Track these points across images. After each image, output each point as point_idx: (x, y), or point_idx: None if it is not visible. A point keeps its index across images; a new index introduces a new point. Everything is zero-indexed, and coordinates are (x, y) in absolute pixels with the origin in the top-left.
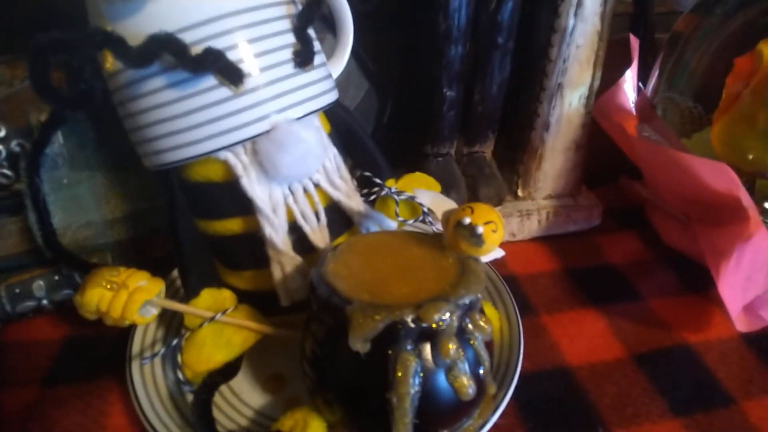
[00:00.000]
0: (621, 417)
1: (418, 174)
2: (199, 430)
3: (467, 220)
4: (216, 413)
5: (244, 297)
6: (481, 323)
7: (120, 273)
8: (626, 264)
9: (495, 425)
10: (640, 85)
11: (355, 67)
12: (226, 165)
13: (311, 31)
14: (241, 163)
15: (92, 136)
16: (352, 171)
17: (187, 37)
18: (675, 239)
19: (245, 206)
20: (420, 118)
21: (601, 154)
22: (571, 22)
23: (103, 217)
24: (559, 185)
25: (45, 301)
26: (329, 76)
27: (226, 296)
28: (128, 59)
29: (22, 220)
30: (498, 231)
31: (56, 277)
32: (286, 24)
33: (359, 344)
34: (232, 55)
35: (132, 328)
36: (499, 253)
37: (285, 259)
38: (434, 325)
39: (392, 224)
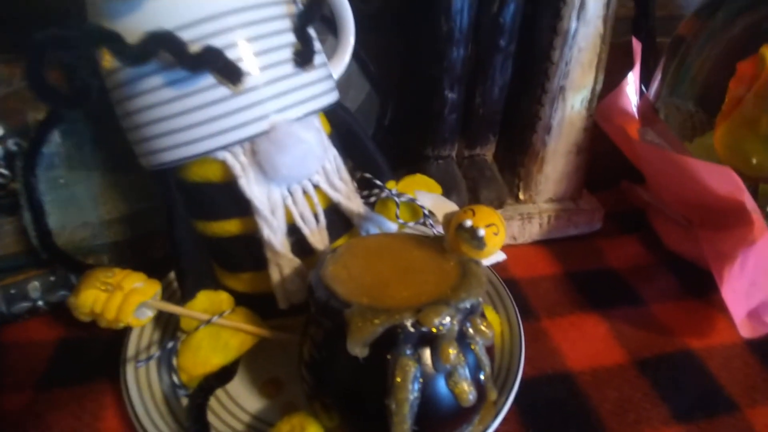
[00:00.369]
0: (623, 423)
1: (418, 176)
2: None
3: (469, 223)
4: (211, 417)
5: (241, 299)
6: (482, 327)
7: (115, 274)
8: (628, 268)
9: (496, 431)
10: (643, 88)
11: (356, 68)
12: (225, 165)
13: (312, 31)
14: (239, 163)
15: (89, 136)
16: (352, 172)
17: (185, 35)
18: (677, 243)
19: (243, 207)
20: (421, 120)
21: (602, 157)
22: (573, 24)
23: (100, 218)
24: (560, 188)
25: (40, 302)
26: (330, 76)
27: (223, 298)
28: (126, 57)
29: (18, 220)
30: (499, 234)
31: (51, 278)
32: (287, 23)
33: (358, 348)
34: (231, 54)
35: (127, 330)
36: (500, 256)
37: (283, 261)
38: (434, 330)
39: (392, 226)
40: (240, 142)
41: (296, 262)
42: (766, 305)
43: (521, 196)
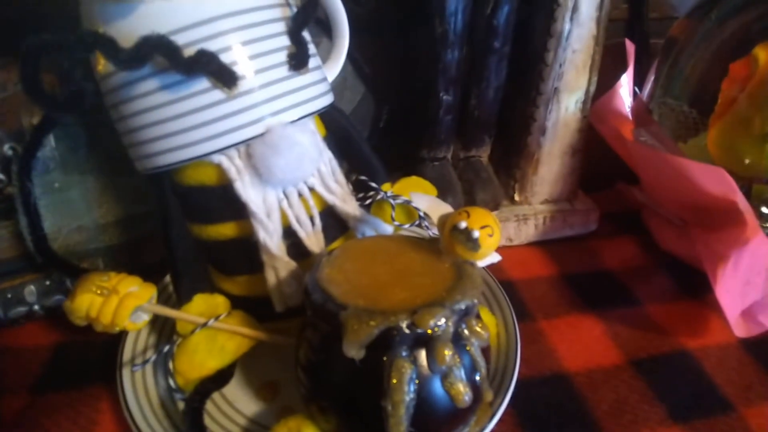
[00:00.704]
0: (619, 424)
1: (414, 178)
2: None
3: (463, 225)
4: (208, 421)
5: (237, 303)
6: (478, 329)
7: (110, 278)
8: (623, 269)
9: None
10: (636, 89)
11: (351, 71)
12: (220, 169)
13: (306, 34)
14: (234, 166)
15: (84, 140)
16: (347, 175)
17: (179, 39)
18: (672, 244)
19: (239, 210)
20: (416, 122)
21: (597, 158)
22: (567, 26)
23: (95, 222)
24: (555, 190)
25: (36, 307)
26: (324, 79)
27: (220, 302)
28: (120, 61)
29: (13, 225)
30: (494, 235)
31: (47, 283)
32: (281, 26)
33: (354, 351)
34: (225, 58)
35: (122, 334)
36: (495, 258)
37: (279, 264)
38: (429, 331)
39: (388, 229)
40: (235, 146)
41: (292, 265)
42: (760, 305)
43: (517, 198)
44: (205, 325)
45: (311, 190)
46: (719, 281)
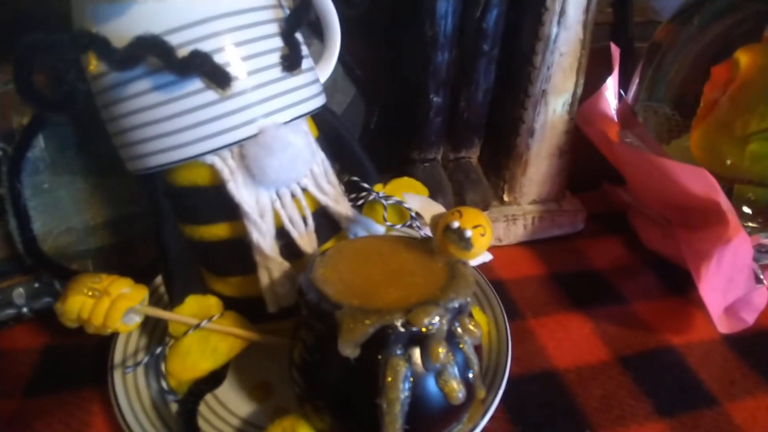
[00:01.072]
0: (608, 419)
1: (405, 179)
2: None
3: (456, 224)
4: (201, 423)
5: (230, 304)
6: (471, 327)
7: (102, 280)
8: (609, 268)
9: (484, 429)
10: (622, 92)
11: (341, 72)
12: (213, 169)
13: (299, 35)
14: (227, 167)
15: (74, 140)
16: (339, 176)
17: (173, 40)
18: (656, 243)
19: (232, 211)
20: (406, 123)
21: (584, 160)
22: (554, 30)
23: (84, 223)
24: (544, 190)
25: (25, 309)
26: (317, 80)
27: (212, 303)
28: (113, 61)
29: (2, 226)
30: (486, 235)
31: (36, 285)
32: (274, 28)
33: (349, 349)
34: (219, 58)
35: (113, 336)
36: (487, 257)
37: (272, 265)
38: (424, 329)
39: (380, 229)
40: (228, 146)
41: (285, 265)
42: (742, 301)
43: (506, 198)
44: (197, 326)
45: (304, 190)
46: (703, 279)
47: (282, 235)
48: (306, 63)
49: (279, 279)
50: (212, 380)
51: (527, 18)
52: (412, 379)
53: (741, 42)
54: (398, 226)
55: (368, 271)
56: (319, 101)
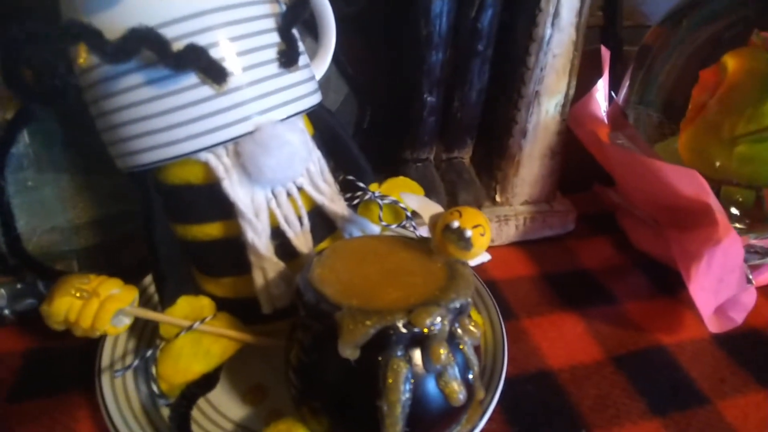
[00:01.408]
0: (603, 418)
1: (401, 178)
2: None
3: (456, 224)
4: (194, 428)
5: (223, 305)
6: (471, 327)
7: (90, 281)
8: (601, 268)
9: (482, 431)
10: (612, 94)
11: (334, 71)
12: (207, 167)
13: (295, 31)
14: (222, 165)
15: (59, 136)
16: (333, 174)
17: (167, 33)
18: (646, 244)
19: (226, 210)
20: (399, 123)
21: (575, 161)
22: (548, 31)
23: (70, 222)
24: (535, 191)
25: (7, 311)
26: (313, 77)
27: (205, 304)
28: (105, 54)
29: None
30: (486, 234)
31: (19, 286)
32: (271, 23)
33: (349, 351)
34: (214, 53)
35: (101, 338)
36: (486, 257)
37: (268, 265)
38: (426, 330)
39: (375, 229)
40: (223, 144)
41: (280, 265)
42: (732, 301)
43: (498, 199)
44: (189, 328)
45: (300, 189)
46: (693, 279)
47: (277, 234)
48: (302, 59)
49: (274, 279)
50: (205, 383)
51: (521, 19)
52: (412, 381)
53: (729, 46)
54: (393, 226)
55: (366, 271)
56: (316, 99)
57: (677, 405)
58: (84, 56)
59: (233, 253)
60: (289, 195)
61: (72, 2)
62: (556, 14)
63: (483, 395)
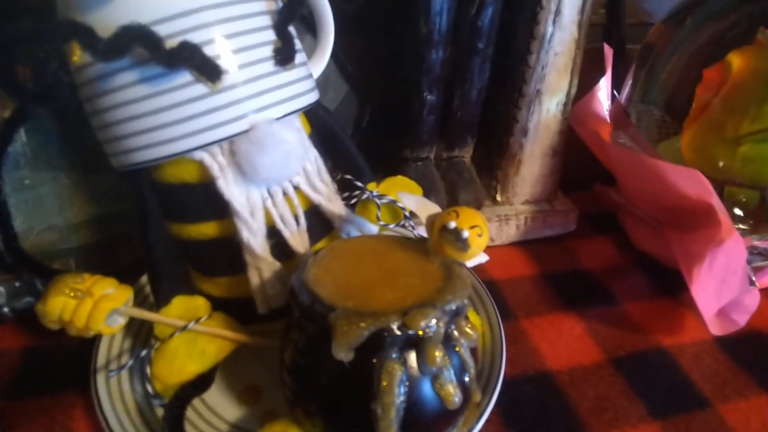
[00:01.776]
0: (601, 421)
1: (399, 177)
2: None
3: (453, 224)
4: (188, 428)
5: (218, 305)
6: (467, 329)
7: (85, 280)
8: (601, 269)
9: None
10: (615, 92)
11: (334, 69)
12: (202, 166)
13: (292, 29)
14: (217, 163)
15: (56, 135)
16: (331, 173)
17: (161, 31)
18: (647, 244)
19: (221, 209)
20: (399, 122)
21: (576, 160)
22: (549, 29)
23: (67, 221)
24: (536, 190)
25: (6, 309)
26: (310, 75)
27: (200, 304)
28: (98, 51)
29: None
30: (483, 235)
31: (17, 284)
32: (267, 20)
33: (343, 353)
34: (209, 51)
35: (96, 338)
36: (483, 258)
37: (263, 265)
38: (421, 332)
39: (373, 229)
40: (218, 142)
41: (276, 265)
42: (734, 303)
43: (499, 198)
44: (184, 328)
45: (296, 188)
46: (695, 280)
47: (273, 234)
48: (299, 57)
49: (269, 279)
50: (200, 384)
51: (522, 17)
52: (407, 384)
53: (733, 45)
54: (391, 226)
55: (362, 272)
56: (313, 97)
57: (677, 408)
58: (78, 54)
59: (229, 252)
60: (285, 194)
61: (67, 1)
62: (557, 12)
63: (480, 398)
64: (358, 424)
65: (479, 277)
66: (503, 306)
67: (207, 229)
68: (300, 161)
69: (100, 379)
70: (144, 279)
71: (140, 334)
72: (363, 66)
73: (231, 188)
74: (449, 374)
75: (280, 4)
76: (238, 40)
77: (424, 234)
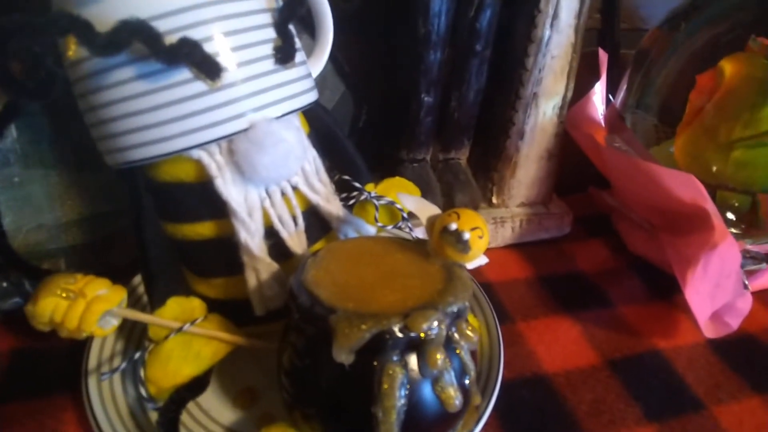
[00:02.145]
0: (598, 424)
1: (397, 178)
2: None
3: (454, 226)
4: None
5: (214, 306)
6: (468, 332)
7: (77, 280)
8: (596, 271)
9: None
10: (610, 97)
11: (331, 69)
12: (199, 164)
13: (292, 27)
14: (215, 162)
15: (47, 132)
16: (329, 173)
17: (159, 26)
18: (640, 247)
19: (218, 209)
20: (396, 122)
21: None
22: (547, 33)
23: (57, 220)
24: (532, 193)
25: None
26: (309, 75)
27: (195, 305)
28: (95, 46)
29: None
30: (484, 237)
31: (4, 284)
32: (267, 18)
33: (344, 355)
34: (208, 48)
35: (87, 340)
36: (483, 260)
37: (261, 266)
38: (422, 335)
39: (371, 230)
40: (216, 141)
41: (274, 266)
42: (728, 307)
43: (494, 201)
44: (179, 329)
45: (294, 189)
46: (689, 284)
47: (271, 234)
48: (299, 57)
49: (267, 280)
50: (195, 387)
51: (520, 20)
52: (408, 386)
53: (727, 51)
54: (389, 227)
55: (362, 273)
56: (312, 96)
57: (672, 410)
58: (73, 49)
59: (225, 253)
60: (283, 194)
61: None
62: (555, 16)
63: (479, 400)
64: (358, 428)
65: (476, 279)
66: (499, 308)
67: (203, 229)
68: (299, 161)
69: (92, 381)
70: (137, 279)
71: (133, 336)
72: (360, 66)
73: (229, 188)
74: (450, 377)
75: (281, 2)
76: (238, 37)
77: (421, 235)
